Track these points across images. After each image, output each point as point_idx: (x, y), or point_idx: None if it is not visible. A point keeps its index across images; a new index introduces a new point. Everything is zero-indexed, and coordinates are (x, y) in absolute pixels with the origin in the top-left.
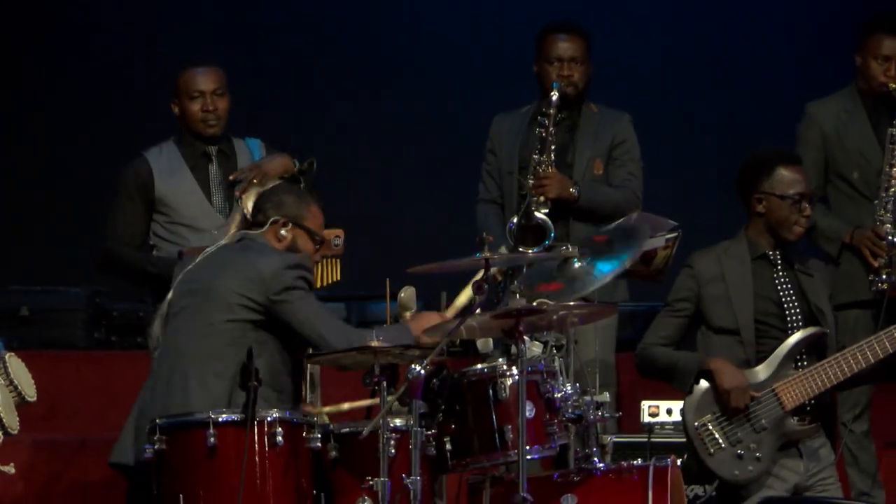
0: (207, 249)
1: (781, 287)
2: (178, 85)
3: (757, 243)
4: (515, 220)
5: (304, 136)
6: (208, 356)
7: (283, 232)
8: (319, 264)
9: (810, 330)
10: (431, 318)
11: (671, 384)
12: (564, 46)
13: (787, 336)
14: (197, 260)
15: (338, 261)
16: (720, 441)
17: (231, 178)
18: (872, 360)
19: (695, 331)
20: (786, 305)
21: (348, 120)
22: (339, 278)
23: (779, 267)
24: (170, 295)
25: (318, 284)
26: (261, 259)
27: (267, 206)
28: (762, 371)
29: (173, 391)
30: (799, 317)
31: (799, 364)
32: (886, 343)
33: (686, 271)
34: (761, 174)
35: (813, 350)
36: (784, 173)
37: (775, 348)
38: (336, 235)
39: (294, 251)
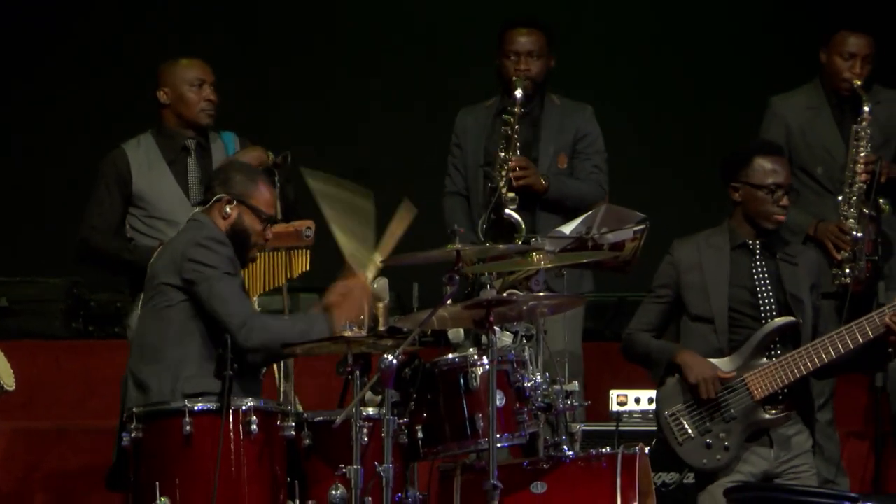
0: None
1: (758, 276)
2: (175, 74)
3: (738, 232)
4: (484, 216)
5: (277, 127)
6: (162, 347)
7: (227, 209)
8: (290, 255)
9: (782, 320)
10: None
11: (650, 373)
12: (522, 41)
13: (761, 325)
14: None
15: (308, 251)
16: (689, 430)
17: None
18: (843, 351)
19: (680, 317)
20: (760, 295)
21: (320, 112)
22: (308, 269)
23: (758, 256)
24: (143, 295)
25: (290, 275)
26: (182, 236)
27: (214, 184)
28: (733, 361)
29: (137, 388)
30: (773, 306)
31: (772, 354)
32: (857, 334)
33: (666, 258)
34: (739, 164)
35: (787, 339)
36: (761, 163)
37: (748, 337)
38: (307, 227)
39: (240, 229)
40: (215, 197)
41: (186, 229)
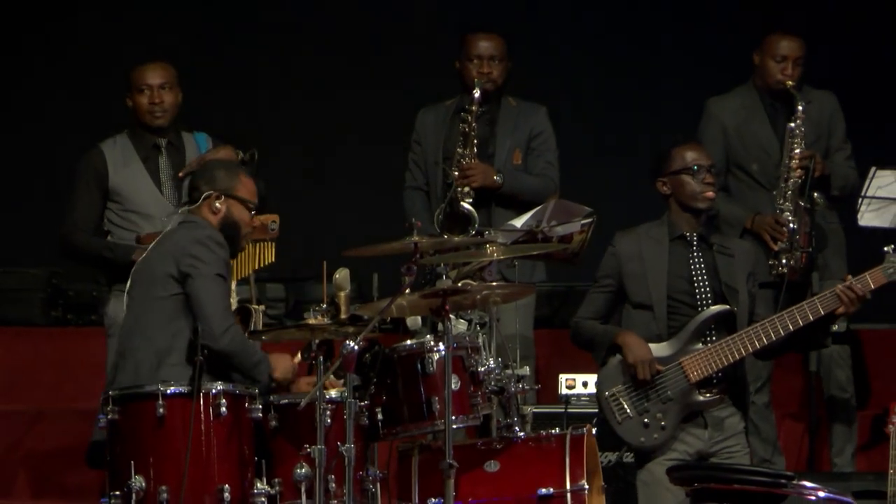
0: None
1: (695, 267)
2: (130, 80)
3: (676, 225)
4: (441, 208)
5: (243, 125)
6: (151, 334)
7: (217, 204)
8: (256, 247)
9: (717, 308)
10: (286, 363)
11: (592, 355)
12: (484, 45)
13: (697, 312)
14: (149, 248)
15: (273, 244)
16: (628, 410)
17: (180, 175)
18: (774, 338)
19: (623, 305)
20: (696, 284)
21: (285, 109)
22: (274, 260)
23: (694, 247)
24: (128, 284)
25: (255, 266)
26: (182, 233)
27: (200, 183)
28: (671, 345)
29: (123, 370)
30: (709, 295)
31: (707, 339)
32: (788, 322)
33: (609, 250)
34: (662, 160)
35: (722, 326)
36: (679, 152)
37: (686, 324)
38: (272, 220)
39: (231, 221)
40: (204, 195)
41: (184, 227)
